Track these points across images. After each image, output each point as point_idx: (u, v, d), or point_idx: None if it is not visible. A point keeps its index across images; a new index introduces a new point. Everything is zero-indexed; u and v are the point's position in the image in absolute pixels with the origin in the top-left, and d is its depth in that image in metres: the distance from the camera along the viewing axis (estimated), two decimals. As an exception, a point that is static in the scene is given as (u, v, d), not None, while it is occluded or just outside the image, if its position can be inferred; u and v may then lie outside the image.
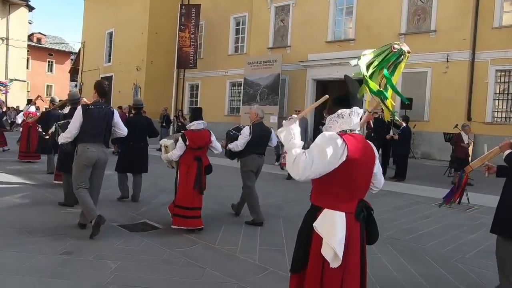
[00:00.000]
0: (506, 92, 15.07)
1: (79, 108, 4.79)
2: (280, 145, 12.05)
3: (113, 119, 4.93)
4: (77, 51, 42.90)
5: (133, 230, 4.96)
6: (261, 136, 5.67)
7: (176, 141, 5.16)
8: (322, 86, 20.19)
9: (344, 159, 2.17)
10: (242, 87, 22.85)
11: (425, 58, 16.19)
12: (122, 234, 4.78)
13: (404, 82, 16.82)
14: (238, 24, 23.81)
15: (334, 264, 2.14)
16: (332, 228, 2.16)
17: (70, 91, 7.02)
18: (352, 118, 2.32)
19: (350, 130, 2.30)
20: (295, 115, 2.45)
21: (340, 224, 2.17)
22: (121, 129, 5.08)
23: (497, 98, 15.18)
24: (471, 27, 15.32)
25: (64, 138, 4.76)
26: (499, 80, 15.17)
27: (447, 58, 15.62)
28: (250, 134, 5.52)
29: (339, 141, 2.18)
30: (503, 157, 3.67)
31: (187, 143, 4.99)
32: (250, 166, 5.68)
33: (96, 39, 30.05)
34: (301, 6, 20.06)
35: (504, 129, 14.42)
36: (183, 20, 23.35)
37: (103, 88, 4.91)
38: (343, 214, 2.20)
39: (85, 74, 31.59)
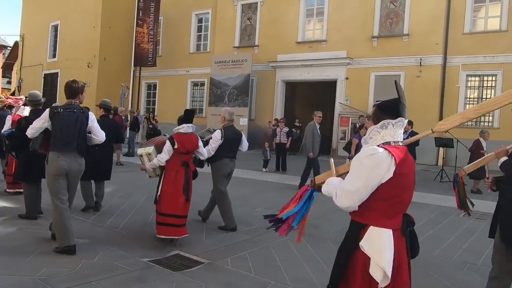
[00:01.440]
0: (477, 96, 15.44)
1: (46, 111, 4.26)
2: (267, 151, 11.36)
3: (88, 124, 4.35)
4: (10, 44, 39.10)
5: (175, 268, 3.94)
6: (232, 139, 5.46)
7: (158, 145, 4.86)
8: (292, 88, 19.73)
9: (391, 175, 2.03)
10: (205, 86, 21.87)
11: (398, 62, 16.26)
12: (164, 275, 3.78)
13: (376, 85, 16.80)
14: (200, 21, 22.70)
15: (383, 284, 2.04)
16: (381, 247, 2.05)
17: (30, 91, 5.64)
18: (397, 129, 2.16)
19: (393, 142, 2.13)
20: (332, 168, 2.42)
21: (388, 243, 2.06)
22: (98, 135, 4.49)
23: (468, 102, 15.51)
24: (443, 32, 15.55)
25: (27, 132, 4.36)
26: (469, 85, 15.52)
27: (420, 62, 15.72)
28: (221, 138, 5.31)
29: (386, 155, 2.04)
30: (499, 165, 3.49)
31: (176, 146, 4.66)
32: (222, 170, 5.45)
33: (38, 32, 27.39)
34: (269, 5, 19.45)
35: (474, 132, 14.72)
36: (140, 14, 21.83)
37: (72, 88, 4.34)
38: (390, 231, 2.08)
39: (25, 70, 28.74)
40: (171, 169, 4.70)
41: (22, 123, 5.35)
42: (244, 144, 5.67)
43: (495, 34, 14.88)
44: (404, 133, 8.35)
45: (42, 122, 4.25)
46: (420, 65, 15.80)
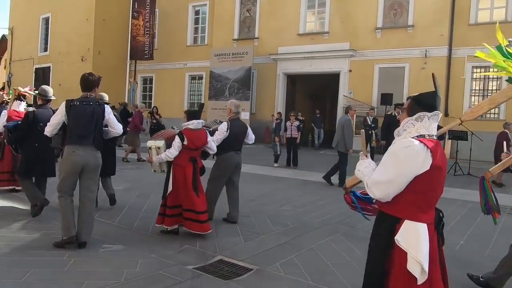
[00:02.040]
0: (482, 88, 15.33)
1: (62, 104, 4.20)
2: (278, 145, 11.08)
3: (104, 116, 4.30)
4: (-3, 38, 38.02)
5: (225, 276, 3.62)
6: (238, 132, 5.40)
7: (168, 139, 4.80)
8: (292, 81, 19.43)
9: (428, 168, 2.03)
10: (204, 80, 21.45)
11: (403, 53, 16.06)
12: (217, 285, 3.47)
13: (380, 77, 16.60)
14: (197, 13, 22.21)
15: (422, 279, 2.02)
16: (417, 241, 2.04)
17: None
18: (432, 122, 2.17)
19: (428, 135, 2.13)
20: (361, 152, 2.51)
21: (424, 237, 2.06)
22: (115, 128, 4.46)
23: (474, 94, 15.40)
24: (448, 23, 15.37)
25: (45, 131, 4.34)
26: (475, 77, 15.39)
27: (425, 54, 15.53)
28: (227, 130, 5.22)
29: (422, 148, 2.04)
30: None
31: (185, 142, 4.60)
32: (228, 163, 5.36)
33: (27, 24, 26.57)
34: (269, -4, 19.05)
35: (481, 124, 14.62)
36: (136, 6, 21.26)
37: (88, 80, 4.29)
38: (425, 225, 2.08)
39: (14, 64, 27.88)
40: (179, 165, 4.63)
41: (30, 117, 5.29)
42: (251, 137, 5.59)
43: (501, 25, 14.63)
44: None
45: (59, 117, 4.20)
46: (425, 57, 15.60)
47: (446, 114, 15.28)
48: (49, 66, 25.09)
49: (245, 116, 17.84)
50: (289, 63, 18.49)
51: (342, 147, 8.49)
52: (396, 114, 9.83)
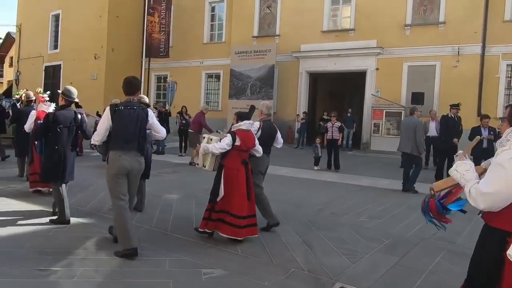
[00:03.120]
0: (518, 87, 14.87)
1: (107, 109, 4.11)
2: (319, 147, 10.59)
3: (148, 121, 4.22)
4: (1, 35, 37.42)
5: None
6: (269, 134, 5.25)
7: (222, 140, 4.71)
8: (313, 79, 18.90)
9: None
10: (221, 78, 20.90)
11: (434, 51, 15.55)
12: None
13: (409, 76, 16.10)
14: (213, 9, 21.64)
15: None
16: None
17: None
18: None
19: None
20: (461, 152, 2.36)
21: None
22: (159, 132, 4.39)
23: (508, 93, 14.92)
24: (482, 20, 14.86)
25: (93, 140, 4.28)
26: (510, 75, 14.91)
27: (458, 52, 15.04)
28: (259, 129, 5.05)
29: None
30: None
31: (238, 143, 4.53)
32: (260, 166, 5.18)
33: (36, 21, 25.92)
34: (291, -8, 18.49)
35: (516, 124, 14.20)
36: (152, 2, 20.65)
37: (133, 84, 4.23)
38: None
39: (23, 62, 27.25)
40: (232, 168, 4.54)
41: (50, 118, 5.13)
42: (280, 141, 5.44)
43: (538, 22, 14.27)
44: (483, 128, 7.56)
45: (106, 123, 4.09)
46: (458, 55, 15.11)
47: (479, 113, 14.79)
48: (60, 64, 24.47)
49: (268, 115, 17.33)
50: (313, 61, 17.97)
51: (415, 150, 8.03)
52: (453, 115, 9.33)
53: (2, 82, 40.95)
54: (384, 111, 15.76)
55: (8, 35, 38.63)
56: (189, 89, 21.69)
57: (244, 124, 4.66)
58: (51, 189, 5.80)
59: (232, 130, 4.70)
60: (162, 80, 23.50)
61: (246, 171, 4.60)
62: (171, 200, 6.61)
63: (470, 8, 14.94)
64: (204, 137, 4.90)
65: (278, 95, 18.68)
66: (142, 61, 21.32)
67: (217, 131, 5.51)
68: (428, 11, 15.83)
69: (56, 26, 25.13)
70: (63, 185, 5.17)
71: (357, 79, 19.17)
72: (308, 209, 6.37)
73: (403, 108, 15.39)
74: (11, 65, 39.19)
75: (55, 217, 5.11)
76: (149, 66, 22.89)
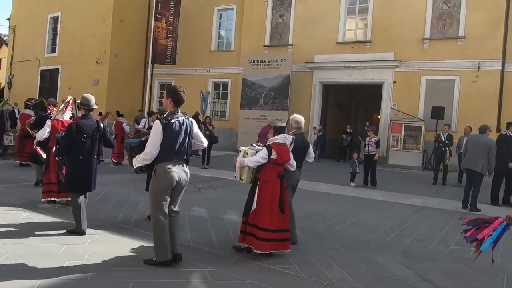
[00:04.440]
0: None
1: (158, 123, 3.98)
2: (356, 163, 10.17)
3: (193, 131, 4.21)
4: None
5: None
6: (301, 148, 5.23)
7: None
8: (335, 90, 18.60)
9: None
10: (229, 87, 20.41)
11: (453, 66, 15.45)
12: None
13: (427, 90, 15.94)
14: (221, 17, 21.19)
15: None
16: None
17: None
18: None
19: None
20: None
21: None
22: (202, 141, 4.36)
23: (528, 110, 14.86)
24: (502, 35, 14.83)
25: (142, 161, 4.01)
26: (530, 92, 14.88)
27: (478, 67, 14.94)
28: (292, 143, 4.98)
29: None
30: None
31: (274, 156, 4.56)
32: (292, 180, 5.14)
33: (32, 24, 24.98)
34: (305, 2, 18.22)
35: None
36: (159, 8, 20.07)
37: (180, 96, 4.11)
38: None
39: (17, 65, 26.18)
40: (268, 182, 4.55)
41: (73, 128, 5.03)
42: (311, 155, 5.43)
43: (559, 39, 14.30)
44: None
45: (159, 137, 3.95)
46: (478, 70, 15.02)
47: (498, 129, 14.70)
48: (58, 68, 23.58)
49: (282, 127, 16.89)
50: (327, 72, 17.66)
51: (485, 169, 7.72)
52: (511, 133, 9.05)
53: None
54: (403, 125, 15.49)
55: (-2, 37, 37.31)
56: (194, 97, 21.07)
57: (280, 138, 4.69)
58: (67, 199, 5.77)
59: (268, 143, 4.73)
60: (165, 87, 22.82)
61: (281, 184, 4.60)
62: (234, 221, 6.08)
63: (490, 24, 14.90)
64: (240, 151, 4.89)
65: (290, 106, 18.27)
66: (148, 67, 20.67)
67: (252, 145, 5.28)
68: (447, 26, 15.73)
69: (55, 29, 24.27)
70: (82, 196, 5.09)
71: (369, 91, 19.06)
72: (387, 234, 5.90)
73: (423, 123, 15.17)
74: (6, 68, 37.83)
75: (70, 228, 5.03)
76: (152, 72, 22.22)
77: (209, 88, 21.06)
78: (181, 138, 4.03)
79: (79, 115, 5.79)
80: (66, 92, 22.01)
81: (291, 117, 5.51)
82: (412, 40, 16.12)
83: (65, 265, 3.90)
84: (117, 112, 13.62)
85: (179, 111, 4.14)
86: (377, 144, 10.23)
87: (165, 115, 4.07)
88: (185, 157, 4.12)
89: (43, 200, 6.34)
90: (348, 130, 16.97)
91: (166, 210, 4.06)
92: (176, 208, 4.22)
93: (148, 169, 4.11)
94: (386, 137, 16.38)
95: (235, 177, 4.94)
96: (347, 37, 17.66)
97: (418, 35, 16.04)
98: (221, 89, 21.06)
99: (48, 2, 23.97)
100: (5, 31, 31.22)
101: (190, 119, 4.22)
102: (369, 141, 10.26)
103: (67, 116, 6.47)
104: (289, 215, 4.70)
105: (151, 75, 22.24)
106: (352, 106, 22.91)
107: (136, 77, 22.43)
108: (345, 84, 17.96)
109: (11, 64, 26.70)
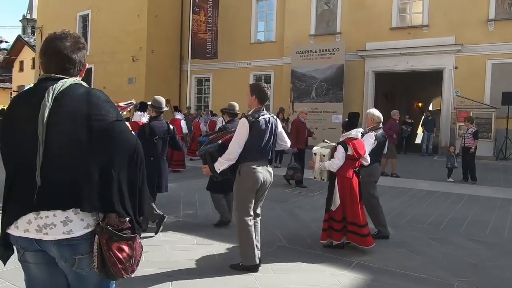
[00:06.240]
0: None
1: (245, 121, 3.79)
2: (454, 157, 9.39)
3: (278, 129, 4.06)
4: (6, 39, 35.62)
5: None
6: (382, 142, 5.24)
7: (333, 150, 4.69)
8: (382, 79, 17.72)
9: None
10: (272, 79, 19.63)
11: (521, 48, 14.50)
12: None
13: (494, 74, 15.02)
14: (261, 7, 20.35)
15: None
16: None
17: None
18: None
19: None
20: None
21: None
22: (286, 141, 4.21)
23: None
24: None
25: (227, 161, 3.82)
26: None
27: (551, 48, 14.00)
28: (375, 140, 5.03)
29: None
30: None
31: (350, 152, 4.54)
32: (375, 175, 5.23)
33: (61, 23, 24.00)
34: (353, -13, 17.31)
35: None
36: (197, 0, 19.28)
37: (265, 93, 3.98)
38: None
39: (46, 66, 25.59)
40: (346, 178, 4.55)
41: (146, 130, 5.12)
42: (385, 148, 5.46)
43: None
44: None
45: (245, 135, 3.79)
46: (551, 52, 14.09)
47: None
48: (91, 68, 22.92)
49: (337, 119, 16.18)
50: (381, 60, 16.80)
51: None
52: None
53: (11, 88, 39.13)
54: (471, 112, 14.61)
55: (19, 38, 36.94)
56: (234, 92, 20.29)
57: (353, 132, 4.65)
58: None
59: (341, 140, 4.67)
60: (203, 83, 22.14)
61: (358, 180, 4.65)
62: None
63: None
64: (314, 154, 4.80)
65: (344, 97, 17.49)
66: (188, 63, 19.93)
67: (323, 141, 5.11)
68: (514, 5, 14.77)
69: (84, 27, 23.64)
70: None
71: (411, 79, 18.30)
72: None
73: (494, 109, 14.28)
74: (21, 69, 37.47)
75: None
76: (188, 68, 21.50)
77: (249, 82, 20.28)
78: (266, 137, 3.86)
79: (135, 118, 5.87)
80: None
81: (368, 112, 5.44)
82: (475, 22, 15.18)
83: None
84: (175, 107, 12.85)
85: (264, 109, 3.98)
86: (475, 135, 9.41)
87: (250, 113, 3.90)
88: (269, 157, 3.98)
89: None
90: (409, 120, 16.13)
91: (252, 213, 3.92)
92: (258, 211, 4.08)
93: (232, 172, 3.96)
94: (449, 126, 15.56)
95: (314, 177, 4.94)
96: (401, 22, 16.75)
97: (482, 17, 15.10)
98: (263, 82, 20.25)
99: (77, 0, 23.31)
100: (19, 32, 30.63)
101: (275, 117, 4.05)
102: (466, 133, 9.46)
103: (144, 119, 6.00)
104: (364, 210, 4.72)
105: (187, 71, 21.54)
106: (396, 95, 22.02)
107: (172, 73, 21.74)
108: (399, 72, 17.09)
109: (39, 65, 26.10)
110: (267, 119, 3.89)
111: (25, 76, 35.75)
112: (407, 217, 6.25)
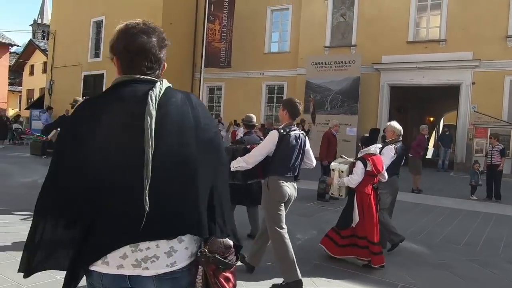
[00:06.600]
0: None
1: (276, 133, 3.79)
2: (478, 174, 9.18)
3: (305, 146, 4.00)
4: (18, 43, 35.69)
5: None
6: (401, 155, 5.29)
7: (351, 165, 4.69)
8: (395, 92, 17.58)
9: None
10: (285, 90, 19.53)
11: (542, 65, 14.35)
12: None
13: (512, 90, 14.86)
14: (276, 17, 20.34)
15: None
16: None
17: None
18: None
19: None
20: None
21: None
22: (312, 160, 4.14)
23: None
24: None
25: (242, 162, 3.80)
26: None
27: None
28: (395, 154, 5.06)
29: None
30: None
31: (369, 168, 4.49)
32: (392, 188, 5.22)
33: (74, 28, 24.42)
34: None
35: None
36: (212, 9, 19.26)
37: (297, 108, 3.93)
38: None
39: (57, 71, 25.65)
40: (365, 193, 4.51)
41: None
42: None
43: None
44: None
45: (270, 147, 3.80)
46: None
47: None
48: (103, 73, 22.95)
49: (351, 132, 16.02)
50: (396, 73, 16.66)
51: None
52: None
53: (20, 91, 39.27)
54: (489, 129, 14.41)
55: (31, 42, 37.13)
56: (246, 101, 20.28)
57: (372, 148, 4.62)
58: None
59: (360, 156, 4.63)
60: (214, 92, 22.07)
61: (376, 196, 4.61)
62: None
63: None
64: (333, 170, 4.85)
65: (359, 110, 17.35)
66: (200, 71, 19.84)
67: (341, 156, 5.18)
68: (534, 21, 14.65)
69: (98, 33, 23.73)
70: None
71: (423, 93, 18.18)
72: None
73: (512, 126, 14.11)
74: (31, 73, 37.60)
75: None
76: (200, 76, 21.43)
77: (262, 91, 20.23)
78: (295, 154, 3.84)
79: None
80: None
81: (388, 124, 5.44)
82: (493, 37, 15.04)
83: None
84: (234, 121, 13.00)
85: (295, 124, 4.03)
86: (502, 152, 9.22)
87: (280, 127, 3.89)
88: (297, 174, 3.98)
89: None
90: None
91: (285, 226, 3.83)
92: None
93: (243, 180, 4.00)
94: (465, 142, 15.36)
95: (332, 194, 5.00)
96: (418, 36, 16.66)
97: (501, 32, 14.97)
98: (275, 92, 20.18)
99: (90, 6, 23.38)
100: (29, 36, 30.77)
101: (304, 134, 4.04)
102: (492, 150, 9.28)
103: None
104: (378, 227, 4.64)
105: (199, 79, 21.46)
106: (408, 109, 21.89)
107: (185, 80, 21.70)
108: (415, 86, 16.95)
109: (51, 69, 26.19)
110: (298, 136, 3.87)
111: (35, 80, 35.88)
112: (440, 237, 6.06)
